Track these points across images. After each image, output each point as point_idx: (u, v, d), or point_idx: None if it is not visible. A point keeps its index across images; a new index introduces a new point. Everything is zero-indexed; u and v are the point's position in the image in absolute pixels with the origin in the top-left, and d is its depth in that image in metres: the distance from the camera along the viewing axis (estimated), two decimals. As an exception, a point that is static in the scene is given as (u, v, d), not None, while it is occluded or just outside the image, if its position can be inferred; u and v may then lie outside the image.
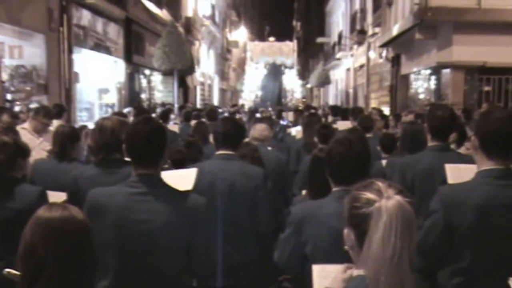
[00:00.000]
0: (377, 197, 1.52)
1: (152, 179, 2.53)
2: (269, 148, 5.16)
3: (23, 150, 3.47)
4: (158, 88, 20.19)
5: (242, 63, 55.33)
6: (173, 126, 8.92)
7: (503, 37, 11.62)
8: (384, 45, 16.85)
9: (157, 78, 19.68)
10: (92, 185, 2.78)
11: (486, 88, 12.28)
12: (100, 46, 13.69)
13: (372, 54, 21.04)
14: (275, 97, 53.98)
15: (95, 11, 12.98)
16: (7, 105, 8.74)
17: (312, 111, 11.10)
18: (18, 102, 9.61)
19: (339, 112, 10.71)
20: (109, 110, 14.12)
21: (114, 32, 14.75)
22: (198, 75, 25.88)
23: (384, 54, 18.73)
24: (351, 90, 27.12)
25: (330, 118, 10.77)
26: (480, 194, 2.46)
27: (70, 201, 2.87)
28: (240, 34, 48.01)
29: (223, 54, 39.10)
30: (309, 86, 42.58)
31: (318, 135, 5.13)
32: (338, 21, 32.75)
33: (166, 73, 16.86)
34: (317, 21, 42.96)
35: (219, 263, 3.38)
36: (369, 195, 1.54)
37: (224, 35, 38.79)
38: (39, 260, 1.64)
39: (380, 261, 1.46)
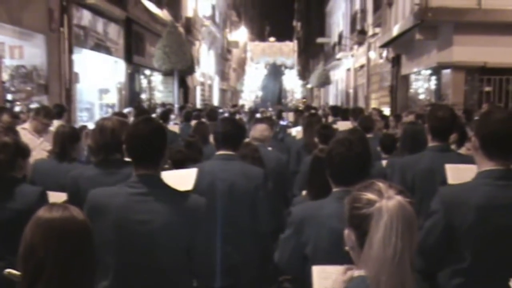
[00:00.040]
0: (377, 197, 1.52)
1: (152, 180, 2.53)
2: (269, 148, 5.16)
3: (24, 151, 3.47)
4: (158, 89, 20.19)
5: (242, 63, 55.34)
6: (173, 126, 8.92)
7: (504, 38, 11.62)
8: (385, 45, 16.85)
9: (157, 78, 19.69)
10: (92, 186, 2.78)
11: (487, 89, 12.28)
12: (100, 46, 13.69)
13: (373, 55, 21.04)
14: (275, 97, 54.04)
15: (96, 11, 12.98)
16: (8, 105, 8.74)
17: (313, 111, 11.10)
18: (18, 102, 9.61)
19: (339, 112, 10.70)
20: (109, 110, 14.12)
21: (114, 32, 14.76)
22: (198, 75, 25.89)
23: (384, 54, 18.73)
24: (351, 91, 27.12)
25: (330, 119, 10.76)
26: (480, 195, 2.46)
27: (70, 201, 2.87)
28: (241, 34, 48.00)
29: (223, 54, 39.11)
30: (309, 86, 42.58)
31: (319, 136, 5.13)
32: (338, 22, 32.75)
33: (166, 73, 16.87)
34: (317, 21, 42.96)
35: (219, 263, 3.39)
36: (369, 195, 1.54)
37: (224, 35, 38.80)
38: (40, 260, 1.65)
39: (381, 261, 1.46)
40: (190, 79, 22.93)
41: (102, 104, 14.73)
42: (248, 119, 11.77)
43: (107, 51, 14.27)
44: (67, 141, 4.11)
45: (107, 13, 13.70)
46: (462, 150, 4.77)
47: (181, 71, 15.65)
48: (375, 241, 1.47)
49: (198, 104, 24.53)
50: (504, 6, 11.34)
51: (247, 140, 4.64)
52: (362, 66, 23.73)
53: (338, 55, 28.76)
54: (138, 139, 2.53)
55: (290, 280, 4.07)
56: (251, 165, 3.78)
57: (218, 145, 3.73)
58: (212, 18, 30.18)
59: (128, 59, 15.85)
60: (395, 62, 17.25)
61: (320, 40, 37.21)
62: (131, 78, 16.54)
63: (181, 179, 3.13)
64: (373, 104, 20.13)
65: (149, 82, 19.12)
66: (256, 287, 3.69)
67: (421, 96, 15.00)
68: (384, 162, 4.64)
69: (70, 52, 11.28)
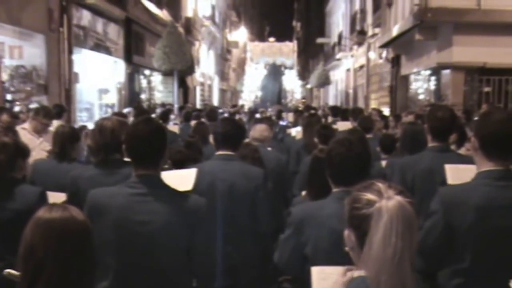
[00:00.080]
0: (377, 197, 1.52)
1: (152, 180, 2.53)
2: (269, 148, 5.16)
3: (23, 151, 3.47)
4: (158, 89, 20.19)
5: (242, 63, 55.33)
6: (173, 126, 8.92)
7: (503, 38, 11.62)
8: (384, 45, 16.85)
9: (157, 78, 19.69)
10: (92, 186, 2.78)
11: (486, 89, 12.28)
12: (100, 46, 13.69)
13: (372, 55, 21.04)
14: (275, 97, 54.05)
15: (95, 11, 12.98)
16: (7, 105, 8.74)
17: (312, 111, 11.11)
18: (18, 102, 9.61)
19: (339, 112, 10.71)
20: (109, 110, 14.12)
21: (114, 32, 14.76)
22: (198, 76, 25.88)
23: (384, 54, 18.73)
24: (351, 91, 27.13)
25: (330, 119, 10.77)
26: (480, 195, 2.46)
27: (69, 202, 2.87)
28: (240, 34, 48.00)
29: (223, 54, 39.11)
30: (309, 86, 42.60)
31: (318, 136, 5.13)
32: (338, 22, 32.76)
33: (166, 74, 16.87)
34: (317, 21, 42.96)
35: (219, 263, 3.39)
36: (369, 196, 1.54)
37: (224, 36, 38.80)
38: (39, 260, 1.65)
39: (381, 261, 1.46)
40: (190, 79, 22.93)
41: (101, 104, 14.73)
42: (247, 119, 11.78)
43: (107, 51, 14.27)
44: (67, 141, 4.10)
45: (107, 13, 13.70)
46: (462, 151, 4.77)
47: (181, 71, 15.65)
48: (375, 241, 1.47)
49: (198, 104, 24.53)
50: (504, 6, 11.34)
51: (247, 140, 4.64)
52: (361, 67, 23.74)
53: (338, 56, 28.76)
54: (138, 139, 2.53)
55: (290, 280, 4.07)
56: (251, 165, 3.78)
57: (218, 145, 3.73)
58: (211, 18, 30.19)
59: (128, 59, 15.85)
60: (395, 62, 17.25)
61: (319, 40, 37.22)
62: (131, 78, 16.54)
63: (181, 179, 3.13)
64: (373, 104, 20.13)
65: (149, 82, 19.12)
66: (256, 287, 3.69)
67: (421, 97, 15.01)
68: (383, 163, 4.64)
69: (70, 52, 11.28)
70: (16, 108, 9.00)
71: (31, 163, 4.10)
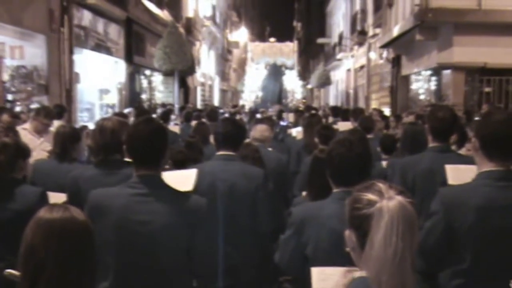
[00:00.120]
0: (378, 198, 1.52)
1: (153, 180, 2.53)
2: (270, 149, 5.16)
3: (24, 151, 3.47)
4: (159, 89, 20.19)
5: (242, 63, 55.35)
6: (174, 126, 8.92)
7: (504, 38, 11.62)
8: (385, 46, 16.85)
9: (157, 78, 19.69)
10: (92, 186, 2.78)
11: (487, 89, 12.28)
12: (101, 46, 13.70)
13: (373, 55, 21.04)
14: (275, 97, 54.01)
15: (96, 11, 12.99)
16: (8, 105, 8.75)
17: (313, 112, 11.10)
18: (18, 103, 9.62)
19: (339, 113, 10.70)
20: (110, 110, 14.13)
21: (115, 32, 14.76)
22: (198, 76, 25.89)
23: (384, 55, 18.73)
24: (351, 91, 27.12)
25: (330, 119, 10.76)
26: (480, 196, 2.46)
27: (70, 202, 2.87)
28: (241, 34, 48.00)
29: (224, 54, 39.11)
30: (309, 86, 42.58)
31: (319, 136, 5.13)
32: (338, 22, 32.76)
33: (167, 74, 16.86)
34: (317, 21, 42.95)
35: (219, 263, 3.38)
36: (370, 196, 1.54)
37: (224, 36, 38.80)
38: (40, 261, 1.64)
39: (382, 261, 1.46)
40: (191, 80, 22.93)
41: (102, 105, 14.74)
42: (248, 120, 11.78)
43: (108, 51, 14.28)
44: (68, 142, 4.10)
45: (108, 13, 13.71)
46: (462, 151, 4.77)
47: (182, 71, 15.65)
48: (376, 241, 1.47)
49: (199, 105, 24.53)
50: (504, 6, 11.35)
51: (247, 140, 4.64)
52: (362, 67, 23.74)
53: (339, 56, 28.76)
54: (139, 139, 2.53)
55: (290, 281, 4.06)
56: (251, 166, 3.78)
57: (218, 145, 3.73)
58: (212, 18, 30.20)
59: (129, 59, 15.86)
60: (395, 62, 17.25)
61: (320, 40, 37.21)
62: (132, 78, 16.55)
63: (182, 179, 3.13)
64: (374, 104, 20.12)
65: (150, 82, 19.12)
66: (256, 287, 3.69)
67: (422, 97, 15.01)
68: (384, 163, 4.64)
69: (71, 52, 11.29)
70: (17, 108, 9.02)
71: (31, 163, 4.10)
